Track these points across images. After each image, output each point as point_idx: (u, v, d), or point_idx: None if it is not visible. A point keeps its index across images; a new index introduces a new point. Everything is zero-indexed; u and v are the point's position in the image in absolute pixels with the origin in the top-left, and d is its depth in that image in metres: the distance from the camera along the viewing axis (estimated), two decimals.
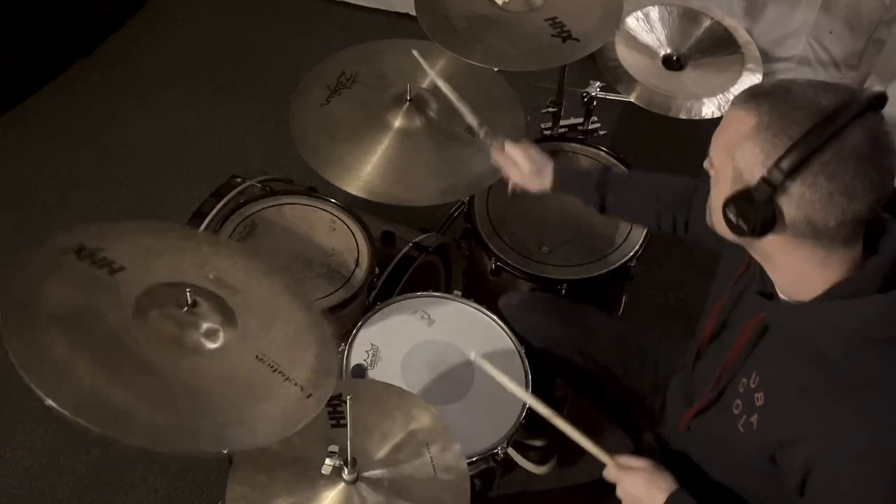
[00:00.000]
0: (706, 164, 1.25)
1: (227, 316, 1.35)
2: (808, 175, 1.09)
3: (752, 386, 1.28)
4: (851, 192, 1.09)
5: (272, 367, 1.30)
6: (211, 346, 1.32)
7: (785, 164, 1.09)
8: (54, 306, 1.27)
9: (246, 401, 1.26)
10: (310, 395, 1.28)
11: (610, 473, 1.47)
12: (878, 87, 1.12)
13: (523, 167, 1.72)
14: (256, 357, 1.31)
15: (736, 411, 1.31)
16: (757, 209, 1.13)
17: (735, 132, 1.15)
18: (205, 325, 1.33)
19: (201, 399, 1.25)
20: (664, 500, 1.39)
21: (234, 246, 1.29)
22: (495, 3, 2.01)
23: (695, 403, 1.42)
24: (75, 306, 1.29)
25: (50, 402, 1.13)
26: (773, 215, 1.13)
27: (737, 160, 1.15)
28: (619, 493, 1.46)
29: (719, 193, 1.20)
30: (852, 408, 1.15)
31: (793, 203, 1.11)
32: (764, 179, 1.11)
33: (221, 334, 1.33)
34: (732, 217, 1.16)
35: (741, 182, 1.15)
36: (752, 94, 1.15)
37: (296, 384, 1.28)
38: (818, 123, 1.08)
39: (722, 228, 1.21)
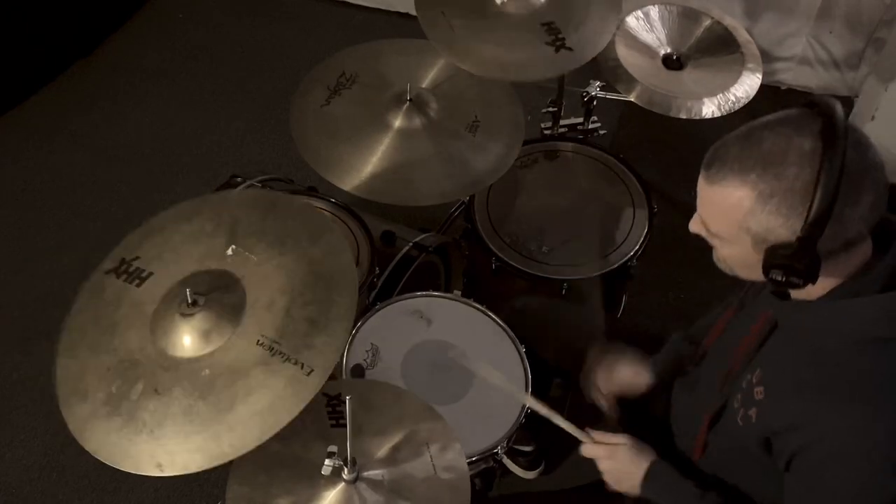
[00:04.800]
0: (696, 228, 1.25)
1: (236, 302, 1.36)
2: (836, 213, 1.09)
3: (754, 381, 1.30)
4: (873, 204, 1.12)
5: (272, 349, 1.30)
6: (214, 344, 1.32)
7: (814, 218, 1.08)
8: (94, 337, 1.33)
9: (244, 399, 1.27)
10: (311, 372, 1.28)
11: (589, 451, 1.54)
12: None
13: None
14: (257, 342, 1.31)
15: (736, 405, 1.33)
16: (803, 263, 1.13)
17: (735, 209, 1.15)
18: (209, 322, 1.34)
19: (201, 408, 1.26)
20: (645, 469, 1.46)
21: (260, 195, 1.31)
22: (493, 3, 2.01)
23: (706, 409, 1.42)
24: (108, 331, 1.34)
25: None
26: (818, 258, 1.13)
27: (753, 230, 1.15)
28: (602, 468, 1.53)
29: (737, 253, 1.21)
30: (851, 402, 1.16)
31: (830, 239, 1.12)
32: (801, 240, 1.11)
33: (227, 326, 1.34)
34: (780, 278, 1.16)
35: (766, 243, 1.15)
36: (729, 168, 1.14)
37: (295, 363, 1.29)
38: (821, 168, 1.07)
39: (757, 276, 1.21)
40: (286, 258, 1.41)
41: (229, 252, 1.40)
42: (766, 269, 1.16)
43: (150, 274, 1.39)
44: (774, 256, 1.15)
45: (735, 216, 1.16)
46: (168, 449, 1.24)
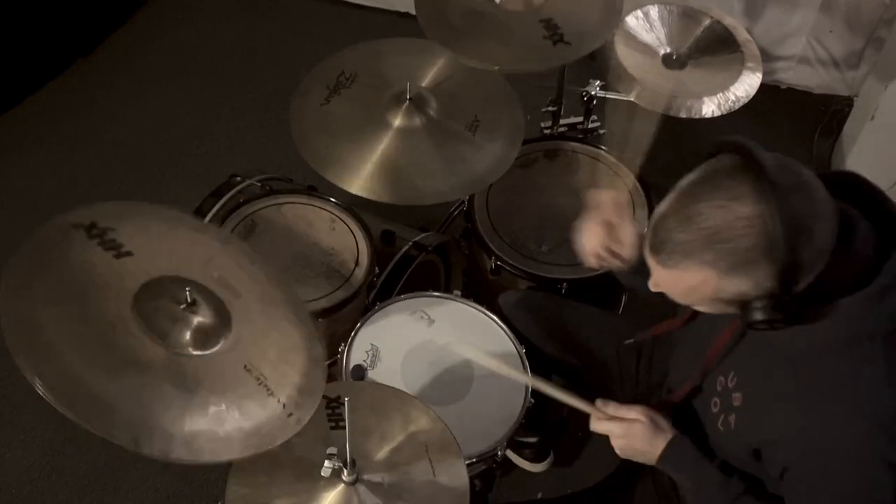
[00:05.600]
0: (658, 289, 1.24)
1: (224, 319, 1.33)
2: (802, 260, 1.09)
3: (730, 386, 1.30)
4: (831, 231, 1.11)
5: (259, 379, 1.28)
6: (201, 348, 1.31)
7: (787, 278, 1.09)
8: (55, 283, 1.27)
9: (225, 411, 1.25)
10: (290, 415, 1.26)
11: (601, 426, 1.45)
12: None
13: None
14: (245, 367, 1.29)
15: (714, 410, 1.33)
16: (788, 311, 1.13)
17: (700, 287, 1.15)
18: (199, 326, 1.32)
19: (180, 402, 1.24)
20: (664, 446, 1.39)
21: (242, 247, 1.26)
22: (492, 1, 2.00)
23: (675, 392, 1.43)
24: (76, 286, 1.29)
25: (37, 384, 1.16)
26: (796, 299, 1.13)
27: (725, 297, 1.15)
28: (615, 443, 1.44)
29: (713, 310, 1.21)
30: (832, 406, 1.17)
31: (804, 279, 1.12)
32: (777, 296, 1.11)
33: (214, 337, 1.32)
34: (764, 328, 1.16)
35: (741, 301, 1.15)
36: (680, 254, 1.14)
37: (279, 401, 1.27)
38: (774, 232, 1.07)
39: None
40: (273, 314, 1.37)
41: (214, 276, 1.39)
42: (748, 324, 1.16)
43: (129, 253, 1.33)
44: (753, 311, 1.14)
45: (703, 292, 1.16)
46: (144, 425, 1.20)
